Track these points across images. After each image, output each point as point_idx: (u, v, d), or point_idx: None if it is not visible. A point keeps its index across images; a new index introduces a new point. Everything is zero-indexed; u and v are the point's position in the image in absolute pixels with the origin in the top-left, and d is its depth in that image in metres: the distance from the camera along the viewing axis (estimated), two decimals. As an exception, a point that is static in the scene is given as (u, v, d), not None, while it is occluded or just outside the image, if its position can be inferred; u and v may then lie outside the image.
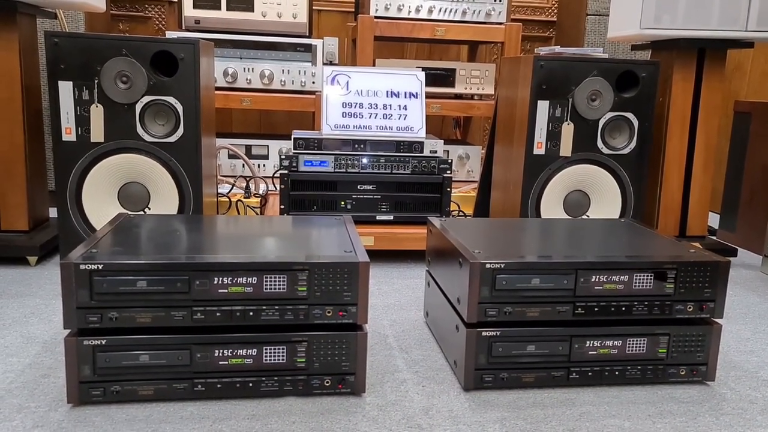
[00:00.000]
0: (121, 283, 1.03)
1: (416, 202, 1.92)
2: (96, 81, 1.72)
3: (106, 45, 1.71)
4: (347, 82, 1.91)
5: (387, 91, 1.92)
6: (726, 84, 2.76)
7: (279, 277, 1.07)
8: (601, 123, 1.88)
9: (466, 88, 2.67)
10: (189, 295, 1.05)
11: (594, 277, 1.14)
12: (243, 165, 2.66)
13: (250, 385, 1.09)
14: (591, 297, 1.15)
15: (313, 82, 2.60)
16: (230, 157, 2.66)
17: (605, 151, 1.90)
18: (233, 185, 2.40)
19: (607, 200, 1.94)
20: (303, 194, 1.88)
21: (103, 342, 1.04)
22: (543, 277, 1.13)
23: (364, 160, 1.87)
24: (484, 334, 1.13)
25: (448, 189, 1.90)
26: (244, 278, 1.06)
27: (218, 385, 1.08)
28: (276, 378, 1.10)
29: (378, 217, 1.91)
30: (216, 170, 2.14)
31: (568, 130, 1.87)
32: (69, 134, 1.75)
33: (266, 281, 1.06)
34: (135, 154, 1.78)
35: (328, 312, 1.09)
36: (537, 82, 1.83)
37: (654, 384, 1.20)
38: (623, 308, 1.16)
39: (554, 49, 1.89)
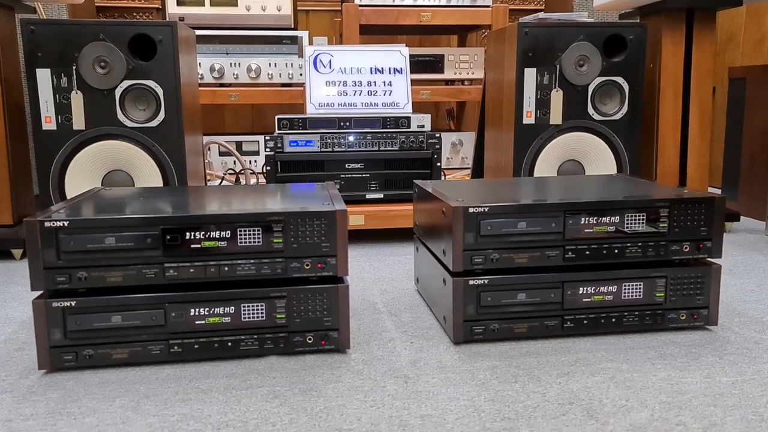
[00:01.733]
0: (88, 240, 0.99)
1: (406, 178, 1.88)
2: (74, 67, 1.70)
3: (83, 30, 1.69)
4: (330, 61, 1.89)
5: (371, 68, 1.89)
6: (720, 55, 2.73)
7: (253, 230, 1.03)
8: (590, 89, 1.84)
9: (455, 73, 2.65)
10: (160, 250, 1.01)
11: (583, 219, 1.09)
12: (234, 162, 2.63)
13: (229, 344, 1.05)
14: (581, 240, 1.10)
15: (301, 75, 2.58)
16: (221, 154, 2.64)
17: (596, 117, 1.86)
18: (222, 178, 2.37)
19: (601, 168, 1.90)
20: (290, 175, 1.84)
21: (73, 303, 1.00)
22: (530, 221, 1.08)
23: (351, 138, 1.83)
24: (471, 282, 1.08)
25: (438, 164, 1.87)
26: (218, 232, 1.02)
27: (195, 346, 1.04)
28: (256, 336, 1.05)
29: (368, 196, 1.87)
30: (204, 168, 2.12)
31: (557, 97, 1.83)
32: (49, 123, 1.73)
33: (240, 234, 1.02)
34: (117, 140, 1.75)
35: (307, 265, 1.04)
36: (522, 50, 1.80)
37: (654, 331, 1.15)
38: (616, 251, 1.11)
39: (538, 16, 1.86)
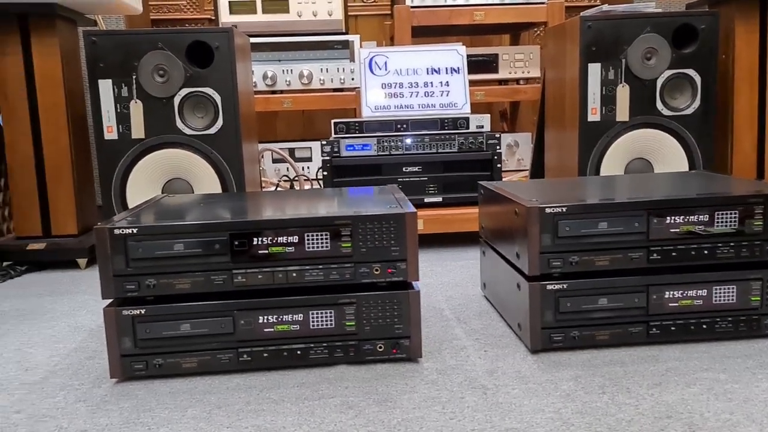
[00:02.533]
0: (157, 247, 0.97)
1: (465, 181, 1.83)
2: (134, 77, 1.71)
3: (142, 39, 1.70)
4: (385, 63, 1.85)
5: (427, 68, 1.86)
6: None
7: (321, 234, 1.00)
8: (659, 82, 1.76)
9: (510, 73, 2.58)
10: (228, 256, 0.99)
11: (669, 218, 1.03)
12: (288, 168, 2.63)
13: (298, 353, 1.02)
14: (667, 240, 1.03)
15: (353, 79, 2.56)
16: (275, 161, 2.63)
17: (666, 112, 1.77)
18: (277, 185, 2.37)
19: (671, 166, 1.81)
20: (346, 180, 1.81)
21: (143, 312, 0.98)
22: (611, 221, 1.02)
23: (408, 141, 1.80)
24: (548, 287, 1.03)
25: (498, 165, 1.81)
26: (285, 237, 0.99)
27: (264, 354, 1.01)
28: (325, 344, 1.02)
29: (426, 200, 1.83)
30: (259, 175, 2.11)
31: (623, 92, 1.75)
32: (111, 133, 1.74)
33: (308, 239, 0.99)
34: (176, 148, 1.75)
35: (376, 270, 1.01)
36: (585, 44, 1.73)
37: (749, 338, 1.07)
38: (705, 252, 1.04)
39: (601, 8, 1.79)
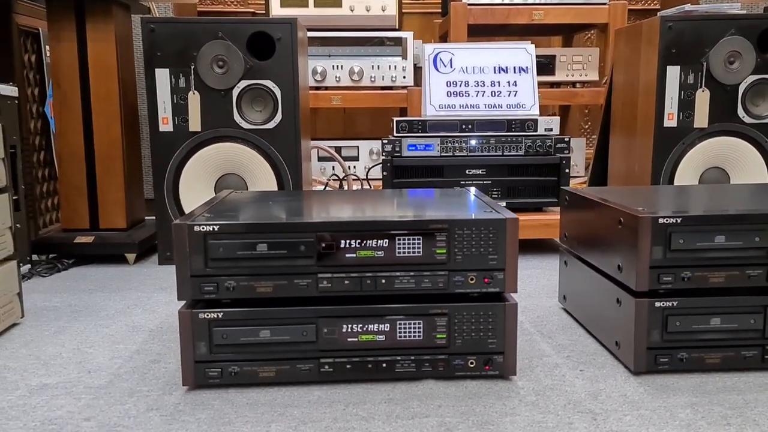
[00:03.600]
0: (239, 246, 0.91)
1: (531, 186, 1.75)
2: (192, 67, 1.65)
3: (202, 29, 1.64)
4: (450, 60, 1.78)
5: (494, 67, 1.78)
6: None
7: (414, 239, 0.92)
8: (741, 88, 1.66)
9: (567, 75, 2.49)
10: (314, 259, 0.92)
11: (792, 233, 0.94)
12: (333, 167, 2.56)
13: (384, 365, 0.94)
14: (788, 258, 0.94)
15: (404, 77, 2.48)
16: (320, 159, 2.57)
17: (747, 120, 1.68)
18: (326, 184, 2.30)
19: (749, 177, 1.71)
20: (407, 181, 1.74)
21: (220, 315, 0.92)
22: (729, 234, 0.93)
23: (473, 142, 1.72)
24: (657, 305, 0.94)
25: (567, 171, 1.73)
26: (375, 240, 0.92)
27: (347, 366, 0.94)
28: (413, 357, 0.94)
29: (489, 204, 1.75)
30: (310, 174, 2.05)
31: (703, 97, 1.66)
32: (166, 124, 1.69)
33: (399, 244, 0.92)
34: (233, 142, 1.69)
35: (471, 279, 0.93)
36: (665, 46, 1.64)
37: None
38: (829, 271, 0.95)
39: (683, 8, 1.70)
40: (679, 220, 0.93)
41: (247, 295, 0.92)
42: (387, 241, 0.92)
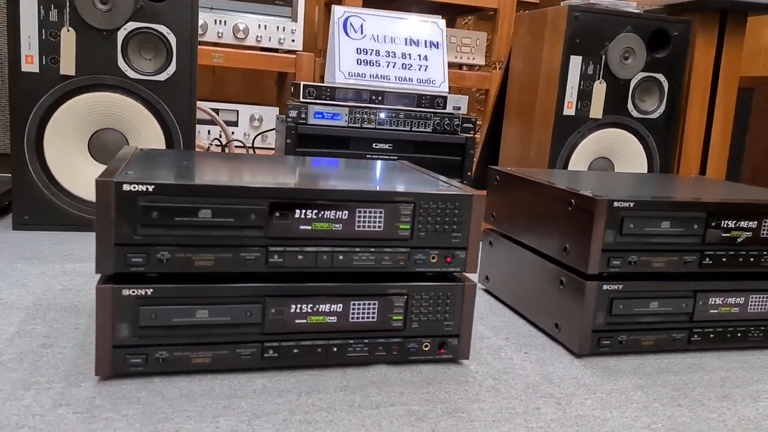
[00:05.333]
0: (178, 211, 0.76)
1: (436, 165, 1.72)
2: (70, -1, 1.41)
3: (85, -44, 1.40)
4: (361, 26, 1.69)
5: (405, 39, 1.72)
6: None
7: (376, 212, 0.84)
8: (632, 83, 1.76)
9: (456, 57, 2.50)
10: (264, 230, 0.80)
11: (725, 222, 0.99)
12: (209, 132, 2.36)
13: (334, 350, 0.85)
14: (719, 245, 0.99)
15: (293, 40, 2.35)
16: (199, 122, 2.36)
17: (635, 114, 1.78)
18: (207, 149, 2.11)
19: (631, 168, 1.82)
20: (311, 151, 1.63)
21: (149, 292, 0.77)
22: (674, 221, 0.96)
23: (382, 115, 1.65)
24: (605, 287, 0.95)
25: (471, 151, 1.72)
26: (334, 212, 0.82)
27: (294, 350, 0.84)
28: (366, 341, 0.87)
29: (393, 180, 1.70)
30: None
31: (600, 89, 1.73)
32: (30, 64, 1.43)
33: (360, 217, 0.83)
34: (114, 92, 1.48)
35: (433, 258, 0.87)
36: (570, 35, 1.69)
37: (769, 348, 1.07)
38: (752, 259, 1.01)
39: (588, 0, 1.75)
40: (632, 204, 0.93)
41: (184, 269, 0.78)
42: (347, 213, 0.83)
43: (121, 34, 1.45)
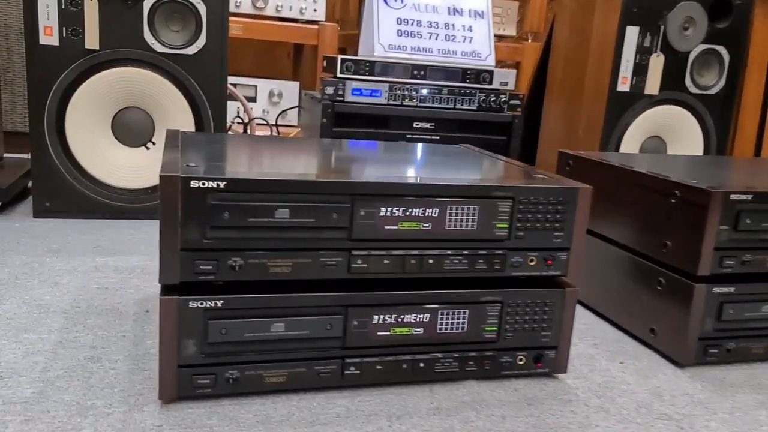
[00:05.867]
0: (252, 210, 0.66)
1: (479, 145, 1.61)
2: (92, -36, 1.28)
3: None
4: (402, -6, 1.56)
5: (449, 7, 1.59)
6: None
7: (470, 209, 0.73)
8: (691, 57, 1.64)
9: (487, 28, 2.37)
10: (347, 231, 0.69)
11: (844, 216, 0.88)
12: (239, 110, 2.24)
13: (421, 365, 0.76)
14: (837, 242, 0.89)
15: (315, 10, 2.21)
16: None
17: (693, 90, 1.66)
18: (228, 129, 1.99)
19: (685, 149, 1.71)
20: (347, 131, 1.52)
21: (220, 303, 0.67)
22: (791, 215, 0.86)
23: (424, 92, 1.53)
24: (715, 291, 0.85)
25: (520, 132, 1.61)
26: (422, 209, 0.72)
27: (378, 366, 0.74)
28: (456, 354, 0.77)
29: (436, 161, 1.59)
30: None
31: (657, 62, 1.61)
32: (50, 35, 1.30)
33: (452, 214, 0.73)
34: (140, 68, 1.35)
35: (531, 260, 0.77)
36: (627, 3, 1.56)
37: None
38: None
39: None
40: (750, 197, 0.83)
41: (258, 277, 0.67)
42: (437, 210, 0.72)
43: (147, 4, 1.32)
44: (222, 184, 0.64)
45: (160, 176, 0.62)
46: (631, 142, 1.66)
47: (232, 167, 0.71)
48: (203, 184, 0.64)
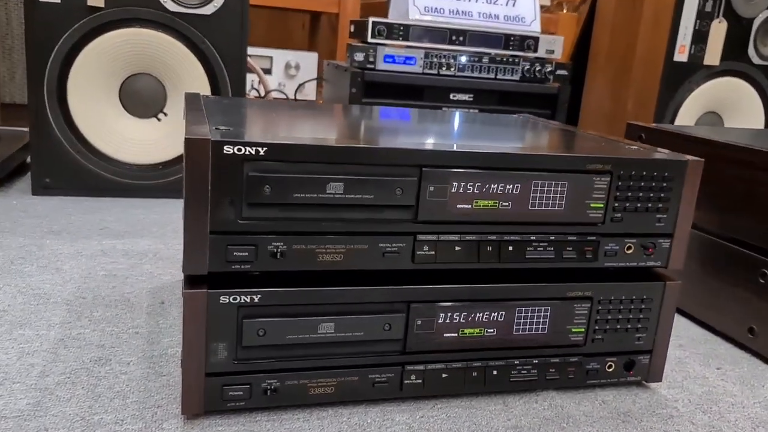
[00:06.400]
0: (299, 183, 0.53)
1: (521, 119, 1.47)
2: None
3: None
4: (439, -49, 1.41)
5: (490, -32, 1.44)
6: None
7: (557, 185, 0.60)
8: (755, 24, 1.49)
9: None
10: (413, 212, 0.56)
11: None
12: (258, 82, 2.10)
13: (494, 372, 0.63)
14: None
15: (336, -25, 2.07)
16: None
17: (756, 61, 1.52)
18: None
19: (744, 125, 1.57)
20: (378, 102, 1.38)
21: (257, 298, 0.54)
22: None
23: (463, 59, 1.39)
24: (835, 285, 0.72)
25: (565, 105, 1.47)
26: (502, 185, 0.58)
27: (444, 375, 0.61)
28: (536, 361, 0.64)
29: (474, 137, 1.45)
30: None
31: (719, 29, 1.46)
32: (51, -8, 1.17)
33: (538, 192, 0.59)
34: (150, 29, 1.22)
35: (629, 248, 0.63)
36: (688, -35, 1.42)
37: None
38: None
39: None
40: None
41: (303, 266, 0.55)
42: (519, 186, 0.59)
43: (159, -44, 1.19)
44: (263, 151, 0.51)
45: (186, 140, 0.49)
46: (685, 118, 1.52)
47: (272, 132, 0.57)
48: (239, 150, 0.50)
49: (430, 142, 0.59)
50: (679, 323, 0.87)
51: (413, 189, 0.56)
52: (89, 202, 1.21)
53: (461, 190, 0.57)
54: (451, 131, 0.72)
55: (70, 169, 1.23)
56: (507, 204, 0.59)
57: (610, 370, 0.66)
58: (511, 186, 0.59)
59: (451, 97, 1.41)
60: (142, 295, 0.81)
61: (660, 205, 0.63)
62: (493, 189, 0.58)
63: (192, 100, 0.73)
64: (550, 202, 0.60)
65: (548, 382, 0.65)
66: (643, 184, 0.62)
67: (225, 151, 0.50)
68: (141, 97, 1.27)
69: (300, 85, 1.96)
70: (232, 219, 0.52)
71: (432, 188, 0.56)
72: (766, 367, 0.76)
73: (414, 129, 0.72)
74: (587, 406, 0.64)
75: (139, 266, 0.91)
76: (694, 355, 0.78)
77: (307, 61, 2.14)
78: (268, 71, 2.14)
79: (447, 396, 0.63)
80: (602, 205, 0.61)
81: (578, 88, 1.77)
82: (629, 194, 0.62)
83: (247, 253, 0.53)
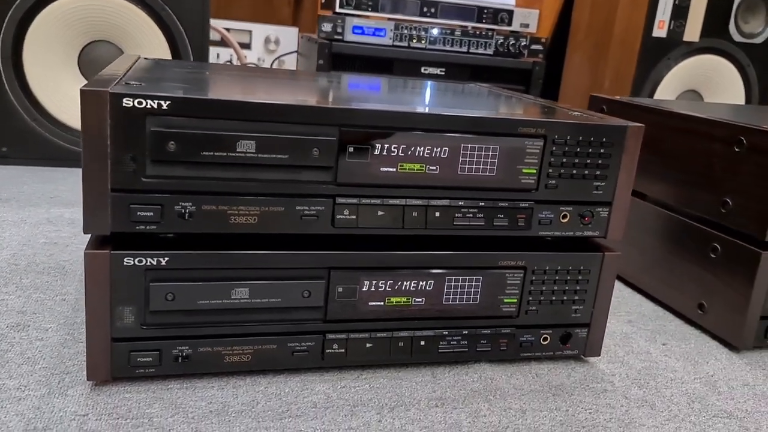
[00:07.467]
0: (206, 141, 0.50)
1: (494, 94, 1.44)
2: None
3: None
4: None
5: (465, -62, 1.40)
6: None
7: (487, 149, 0.57)
8: (736, 0, 1.46)
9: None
10: (332, 172, 0.54)
11: None
12: (218, 56, 2.07)
13: (422, 343, 0.61)
14: None
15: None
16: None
17: (737, 38, 1.48)
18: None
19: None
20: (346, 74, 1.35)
21: (164, 261, 0.52)
22: None
23: (434, 32, 1.36)
24: (783, 259, 0.69)
25: (540, 80, 1.44)
26: (429, 147, 0.56)
27: (368, 345, 0.59)
28: (466, 332, 0.62)
29: (446, 112, 1.42)
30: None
31: (699, 4, 1.43)
32: (5, -46, 1.13)
33: (467, 156, 0.57)
34: (110, -6, 1.19)
35: (564, 216, 0.61)
36: (668, -62, 1.38)
37: None
38: None
39: None
40: (836, 147, 0.67)
41: (214, 228, 0.52)
42: (448, 149, 0.56)
43: None
44: (165, 104, 0.48)
45: (81, 91, 0.47)
46: (664, 95, 1.49)
47: (185, 88, 0.55)
48: (140, 103, 0.48)
49: (351, 102, 0.57)
50: (633, 300, 0.85)
51: (332, 150, 0.53)
52: (46, 172, 1.18)
53: (384, 152, 0.55)
54: (384, 95, 0.69)
55: (26, 137, 1.20)
56: (434, 168, 0.57)
57: (545, 343, 0.64)
58: (438, 149, 0.56)
59: (422, 70, 1.38)
60: (79, 263, 0.79)
61: (598, 173, 0.60)
62: (419, 152, 0.56)
63: (122, 60, 0.70)
64: (480, 166, 0.58)
65: (479, 354, 0.63)
66: (579, 149, 0.59)
67: (125, 104, 0.48)
68: (100, 64, 1.24)
69: (276, 59, 1.92)
70: (134, 177, 0.49)
71: (352, 149, 0.54)
72: (714, 344, 0.74)
73: (347, 91, 0.70)
74: (519, 379, 0.62)
75: (82, 235, 0.89)
76: (642, 331, 0.76)
77: (288, 36, 2.10)
78: (247, 46, 2.10)
79: (374, 366, 0.61)
80: (535, 171, 0.59)
81: (560, 64, 1.74)
82: (564, 160, 0.59)
83: (152, 213, 0.50)
